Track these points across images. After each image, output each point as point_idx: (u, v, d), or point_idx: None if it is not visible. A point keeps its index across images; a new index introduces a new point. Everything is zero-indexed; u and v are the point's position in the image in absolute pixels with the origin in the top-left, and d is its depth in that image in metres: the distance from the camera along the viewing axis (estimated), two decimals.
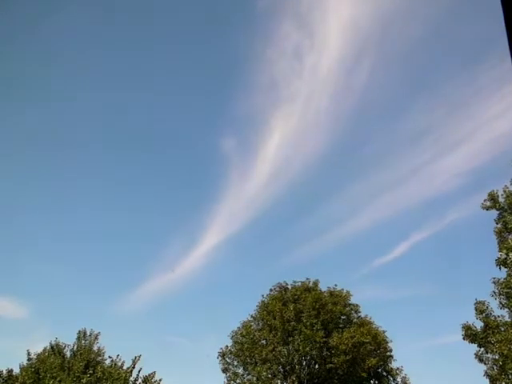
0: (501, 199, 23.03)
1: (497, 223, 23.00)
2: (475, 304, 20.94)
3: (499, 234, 22.74)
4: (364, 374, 25.63)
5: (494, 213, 23.42)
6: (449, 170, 58.64)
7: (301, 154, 63.23)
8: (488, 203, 23.70)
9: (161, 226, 68.76)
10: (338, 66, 56.83)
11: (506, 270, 21.16)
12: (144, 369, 22.46)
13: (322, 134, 62.28)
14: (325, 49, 55.16)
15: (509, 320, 20.51)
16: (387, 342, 27.56)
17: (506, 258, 21.33)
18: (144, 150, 68.96)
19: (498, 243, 22.39)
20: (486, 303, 20.81)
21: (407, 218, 61.57)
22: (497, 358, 20.08)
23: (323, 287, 28.93)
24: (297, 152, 63.50)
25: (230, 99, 65.40)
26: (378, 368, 27.05)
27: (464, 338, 20.73)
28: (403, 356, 46.33)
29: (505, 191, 22.85)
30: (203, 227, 64.17)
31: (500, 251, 21.47)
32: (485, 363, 20.64)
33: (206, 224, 63.64)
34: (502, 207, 23.22)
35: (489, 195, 23.73)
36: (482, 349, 20.61)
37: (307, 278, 29.11)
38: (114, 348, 42.06)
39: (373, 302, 53.17)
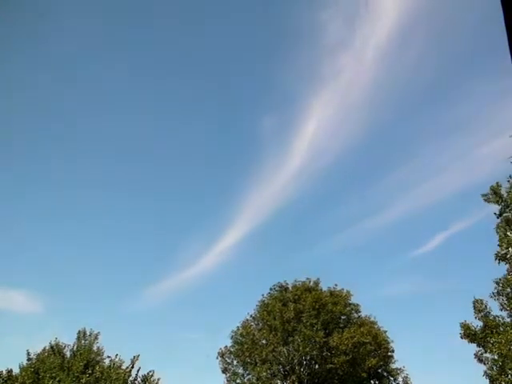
0: (503, 192, 22.30)
1: (498, 217, 22.26)
2: (473, 302, 20.34)
3: (500, 229, 22.01)
4: (364, 375, 25.27)
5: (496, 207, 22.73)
6: (502, 152, 55.19)
7: (341, 137, 60.11)
8: (490, 197, 22.99)
9: (185, 216, 67.50)
10: (389, 42, 52.23)
11: (505, 265, 20.51)
12: (148, 367, 22.76)
13: (364, 116, 59.03)
14: (379, 20, 49.25)
15: (508, 320, 19.83)
16: (388, 343, 27.08)
17: (505, 253, 20.66)
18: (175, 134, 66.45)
19: (499, 238, 21.67)
20: (484, 302, 20.17)
21: (450, 206, 58.24)
22: (496, 358, 19.44)
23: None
24: (337, 134, 60.26)
25: (271, 73, 61.22)
26: (379, 368, 26.58)
27: (462, 337, 20.17)
28: (414, 355, 44.82)
29: (508, 181, 22.10)
30: (230, 218, 62.65)
31: (500, 246, 20.82)
32: (484, 363, 20.04)
33: (232, 215, 61.95)
34: (505, 201, 22.46)
35: (491, 189, 23.02)
36: (481, 349, 20.01)
37: (307, 278, 28.99)
38: (128, 346, 42.57)
39: (403, 295, 50.96)
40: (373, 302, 55.08)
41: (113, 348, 35.61)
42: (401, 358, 28.56)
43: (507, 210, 22.46)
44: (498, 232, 21.98)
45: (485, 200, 23.13)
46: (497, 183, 23.03)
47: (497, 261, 20.46)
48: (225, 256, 57.59)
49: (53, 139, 62.97)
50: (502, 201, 22.71)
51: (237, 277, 59.34)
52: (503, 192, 22.68)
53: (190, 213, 67.88)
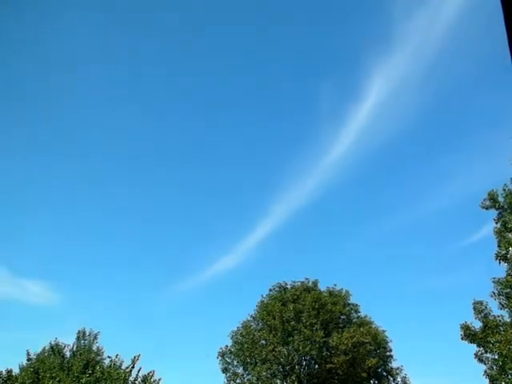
0: (500, 198, 22.95)
1: (496, 223, 22.90)
2: (473, 304, 20.86)
3: (499, 233, 22.61)
4: (364, 374, 25.62)
5: (494, 212, 23.39)
6: None
7: (402, 109, 57.09)
8: (487, 203, 23.61)
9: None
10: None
11: (505, 265, 21.07)
12: (146, 367, 22.53)
13: (427, 86, 56.23)
14: None
15: (508, 320, 20.40)
16: (387, 342, 27.59)
17: (506, 253, 21.21)
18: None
19: (498, 243, 22.26)
20: (484, 303, 20.71)
21: None
22: (496, 358, 19.97)
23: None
24: (394, 109, 57.51)
25: (331, 35, 58.55)
26: (378, 368, 27.06)
27: (462, 338, 20.64)
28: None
29: (504, 189, 22.77)
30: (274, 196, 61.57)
31: (499, 247, 21.38)
32: (484, 363, 20.55)
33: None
34: (502, 206, 23.13)
35: (488, 195, 23.64)
36: (482, 349, 20.53)
37: (306, 278, 29.29)
38: (149, 343, 41.64)
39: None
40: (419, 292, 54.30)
41: (129, 345, 35.17)
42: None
43: (505, 214, 23.17)
44: (496, 237, 22.66)
45: (482, 207, 23.77)
46: (492, 190, 23.76)
47: (497, 261, 21.04)
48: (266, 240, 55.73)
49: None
50: (500, 206, 23.42)
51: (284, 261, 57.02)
52: (500, 198, 23.42)
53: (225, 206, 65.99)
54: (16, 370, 21.46)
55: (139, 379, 22.74)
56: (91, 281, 57.74)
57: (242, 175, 66.89)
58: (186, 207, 67.13)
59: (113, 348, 33.12)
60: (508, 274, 21.05)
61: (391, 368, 27.64)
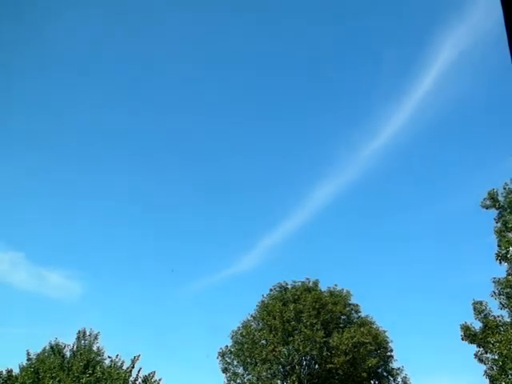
0: (500, 198, 22.86)
1: (496, 222, 22.82)
2: (473, 304, 20.79)
3: (499, 233, 22.53)
4: (364, 374, 25.58)
5: (494, 212, 23.31)
6: None
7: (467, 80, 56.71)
8: (488, 202, 23.53)
9: None
10: None
11: (506, 265, 20.98)
12: (147, 367, 22.59)
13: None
14: None
15: (508, 320, 20.33)
16: (388, 342, 27.53)
17: (506, 253, 21.12)
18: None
19: (498, 242, 22.17)
20: (484, 303, 20.65)
21: None
22: (496, 358, 19.90)
23: (335, 282, 28.87)
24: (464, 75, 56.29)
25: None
26: (379, 368, 27.01)
27: (463, 339, 20.58)
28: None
29: (505, 188, 22.68)
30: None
31: (500, 246, 21.28)
32: (484, 363, 20.48)
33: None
34: (502, 206, 23.04)
35: (488, 194, 23.57)
36: (482, 349, 20.46)
37: (307, 278, 29.27)
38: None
39: None
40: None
41: (131, 344, 35.08)
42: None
43: (505, 213, 23.08)
44: (496, 236, 22.57)
45: (482, 206, 23.67)
46: (493, 189, 23.66)
47: (497, 261, 20.95)
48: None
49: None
50: (500, 206, 23.32)
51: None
52: (500, 198, 23.33)
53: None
54: (16, 370, 21.52)
55: (140, 379, 22.78)
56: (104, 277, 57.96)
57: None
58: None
59: (119, 347, 33.20)
60: (508, 274, 20.99)
61: (392, 368, 27.62)
